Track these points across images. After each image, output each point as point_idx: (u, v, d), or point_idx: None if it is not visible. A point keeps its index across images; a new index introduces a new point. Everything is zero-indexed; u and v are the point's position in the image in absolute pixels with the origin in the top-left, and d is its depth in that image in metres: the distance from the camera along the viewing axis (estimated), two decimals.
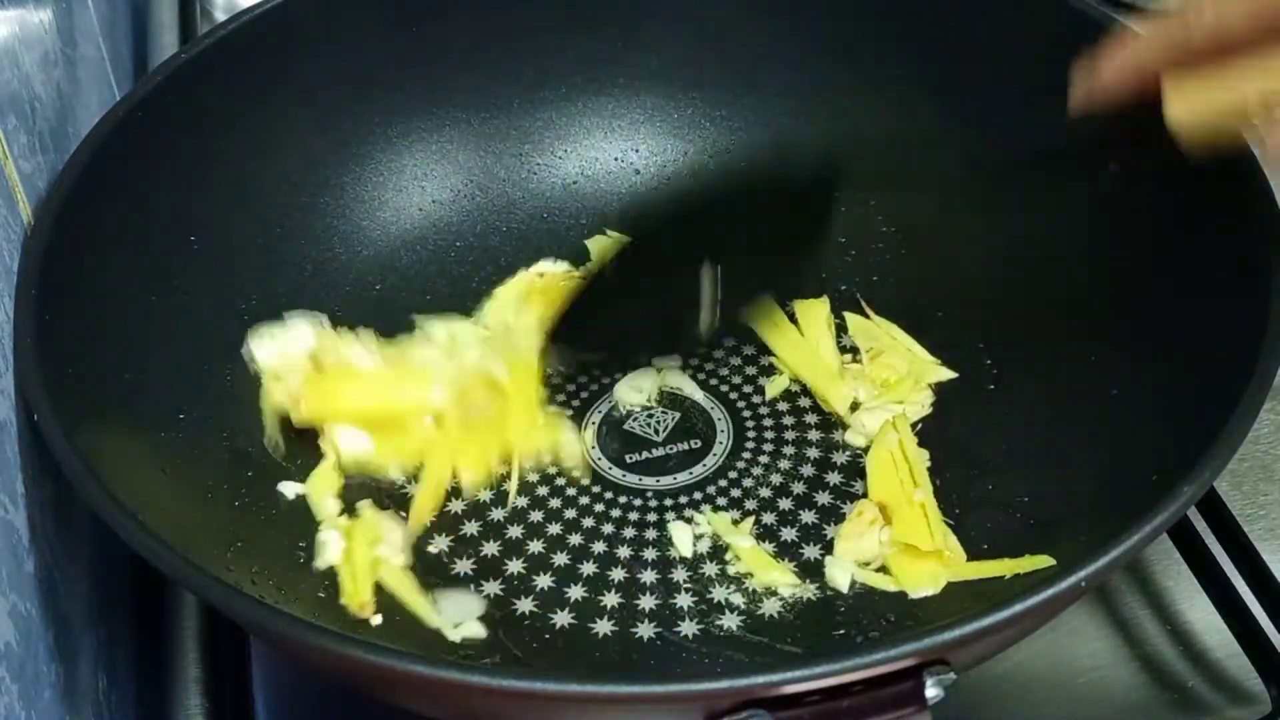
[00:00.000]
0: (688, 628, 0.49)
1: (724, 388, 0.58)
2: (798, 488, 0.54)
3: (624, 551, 0.52)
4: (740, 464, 0.55)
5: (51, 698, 0.43)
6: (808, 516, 0.53)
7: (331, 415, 0.54)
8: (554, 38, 0.63)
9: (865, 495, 0.53)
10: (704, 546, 0.52)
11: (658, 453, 0.56)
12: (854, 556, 0.51)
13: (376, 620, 0.48)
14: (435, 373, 0.55)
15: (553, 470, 0.55)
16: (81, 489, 0.42)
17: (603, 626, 0.49)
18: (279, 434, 0.54)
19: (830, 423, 0.56)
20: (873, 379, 0.57)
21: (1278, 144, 0.42)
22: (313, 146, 0.60)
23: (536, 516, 0.53)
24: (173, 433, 0.51)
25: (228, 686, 0.50)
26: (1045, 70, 0.49)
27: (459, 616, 0.49)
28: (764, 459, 0.55)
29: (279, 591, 0.48)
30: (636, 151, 0.65)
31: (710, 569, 0.51)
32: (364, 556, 0.50)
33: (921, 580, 0.50)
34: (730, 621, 0.49)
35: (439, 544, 0.52)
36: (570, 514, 0.53)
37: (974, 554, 0.50)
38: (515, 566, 0.52)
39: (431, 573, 0.51)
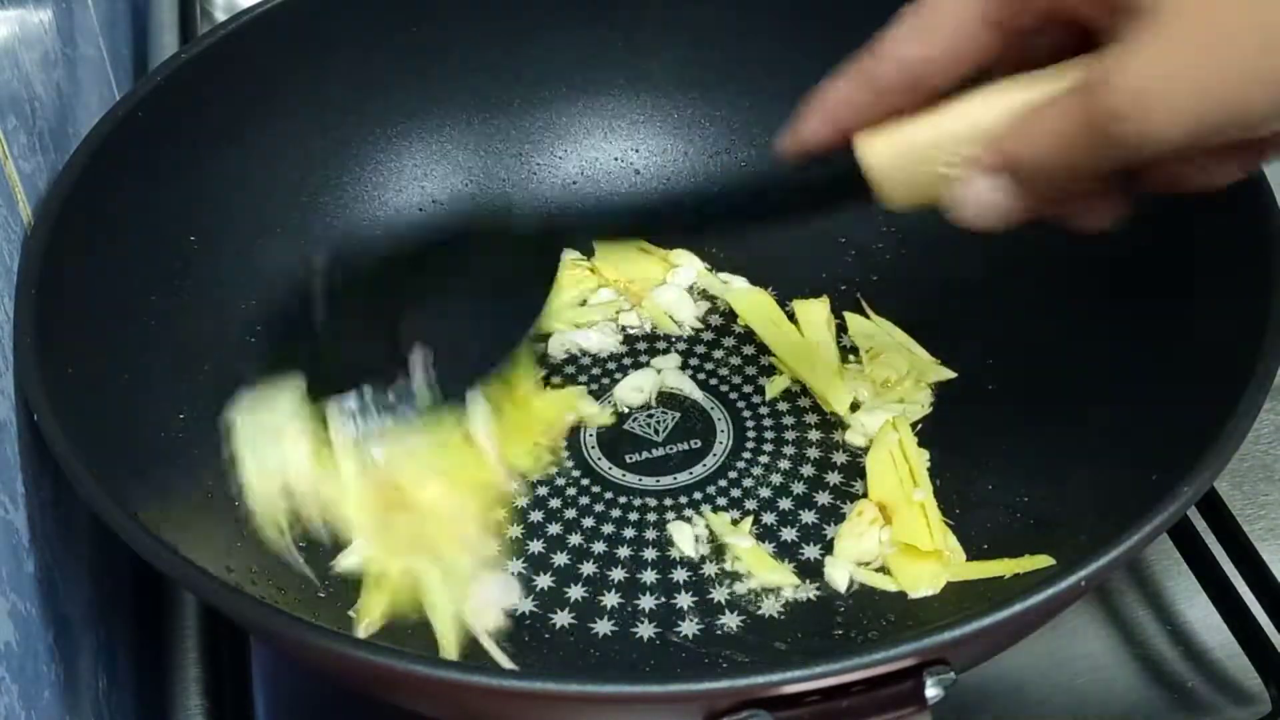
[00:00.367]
0: (688, 628, 0.49)
1: (724, 388, 0.58)
2: (798, 488, 0.54)
3: (624, 551, 0.52)
4: (740, 464, 0.55)
5: (51, 698, 0.43)
6: (808, 516, 0.53)
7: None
8: (554, 38, 0.63)
9: (865, 495, 0.53)
10: (704, 547, 0.52)
11: (658, 453, 0.56)
12: (854, 556, 0.51)
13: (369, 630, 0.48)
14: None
15: (553, 470, 0.55)
16: (81, 489, 0.42)
17: (603, 626, 0.49)
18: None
19: (830, 423, 0.56)
20: (873, 379, 0.57)
21: (961, 201, 0.40)
22: (313, 146, 0.60)
23: (536, 517, 0.53)
24: (173, 433, 0.51)
25: (228, 686, 0.50)
26: None
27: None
28: (764, 459, 0.55)
29: (279, 591, 0.48)
30: (636, 151, 0.65)
31: (710, 569, 0.51)
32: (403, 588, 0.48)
33: (921, 580, 0.50)
34: (730, 621, 0.49)
35: None
36: (570, 514, 0.53)
37: (974, 554, 0.50)
38: (515, 567, 0.52)
39: None
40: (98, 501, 0.41)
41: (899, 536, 0.51)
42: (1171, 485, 0.40)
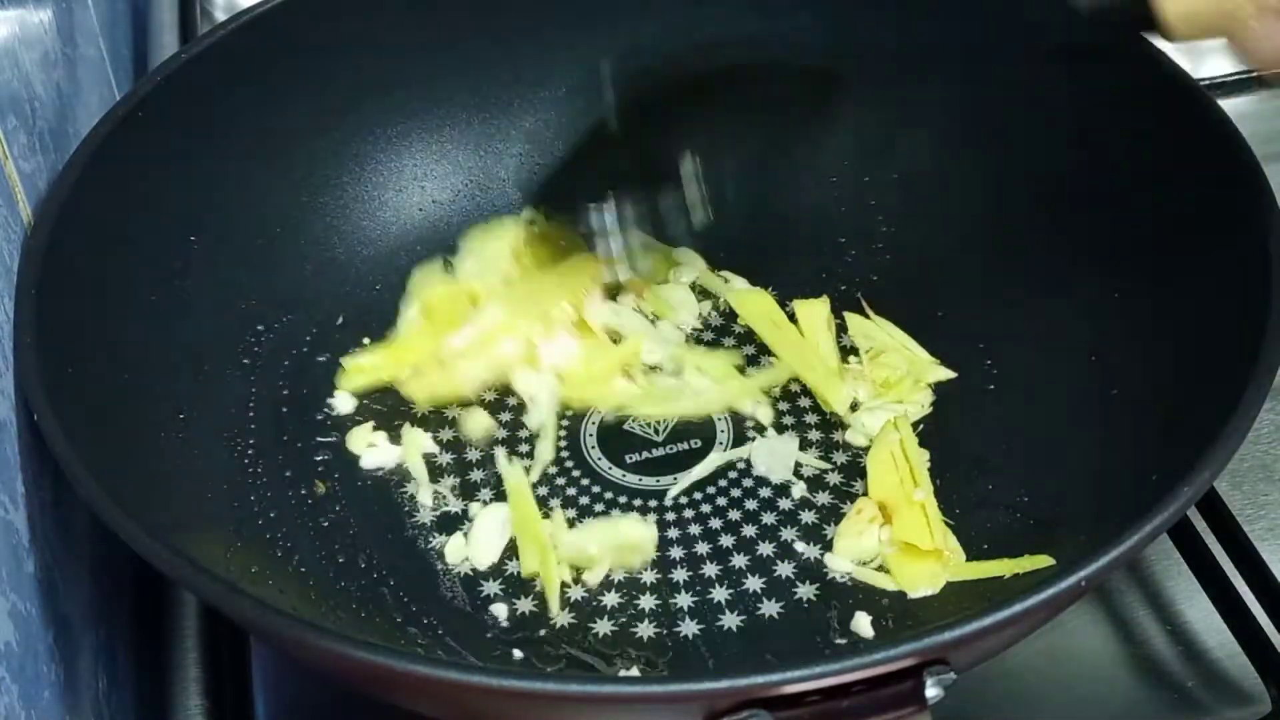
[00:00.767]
0: (688, 628, 0.49)
1: None
2: (798, 488, 0.54)
3: None
4: (740, 464, 0.55)
5: (51, 698, 0.43)
6: (808, 516, 0.53)
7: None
8: (554, 37, 0.63)
9: (865, 495, 0.53)
10: (704, 548, 0.52)
11: (658, 453, 0.55)
12: (853, 554, 0.51)
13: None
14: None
15: (553, 470, 0.55)
16: (81, 489, 0.42)
17: (603, 626, 0.49)
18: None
19: (830, 423, 0.56)
20: (873, 379, 0.57)
21: (1258, 36, 0.42)
22: (313, 146, 0.61)
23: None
24: (173, 433, 0.51)
25: (228, 686, 0.50)
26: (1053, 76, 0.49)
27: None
28: None
29: (279, 592, 0.48)
30: None
31: (710, 569, 0.51)
32: None
33: (921, 580, 0.50)
34: (730, 621, 0.49)
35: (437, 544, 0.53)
36: (570, 514, 0.53)
37: (974, 554, 0.50)
38: (515, 567, 0.52)
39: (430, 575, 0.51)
40: (98, 501, 0.41)
41: (899, 536, 0.51)
42: (1171, 485, 0.40)
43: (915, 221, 0.61)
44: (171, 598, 0.52)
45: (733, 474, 0.55)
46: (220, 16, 0.80)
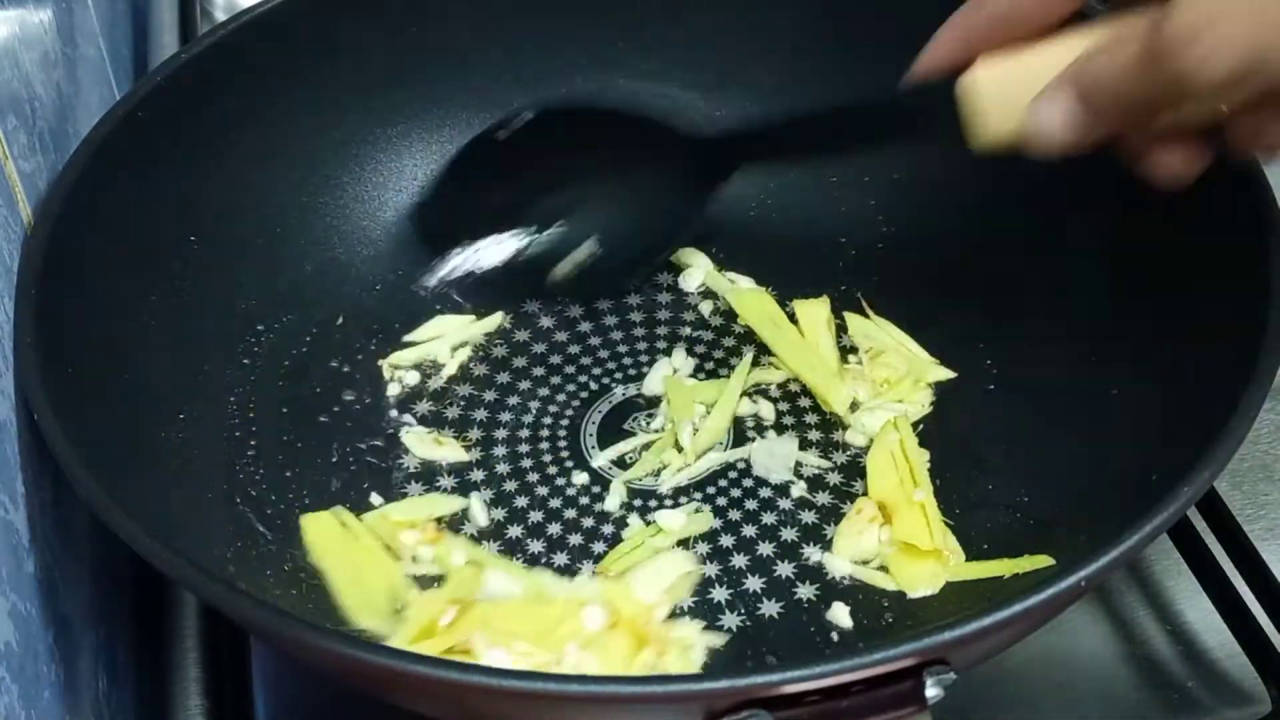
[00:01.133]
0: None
1: None
2: (798, 488, 0.54)
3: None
4: (740, 464, 0.55)
5: (51, 698, 0.43)
6: (808, 516, 0.53)
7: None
8: (554, 37, 0.63)
9: (865, 495, 0.53)
10: (704, 548, 0.52)
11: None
12: (853, 554, 0.51)
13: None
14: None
15: (553, 470, 0.55)
16: (81, 489, 0.42)
17: None
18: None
19: (830, 423, 0.56)
20: (873, 379, 0.57)
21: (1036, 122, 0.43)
22: (313, 146, 0.61)
23: (536, 517, 0.53)
24: (173, 433, 0.51)
25: (228, 686, 0.50)
26: None
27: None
28: None
29: (279, 592, 0.48)
30: None
31: (710, 569, 0.51)
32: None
33: (921, 580, 0.50)
34: (730, 621, 0.49)
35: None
36: (570, 514, 0.53)
37: (974, 554, 0.50)
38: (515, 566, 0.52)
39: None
40: (98, 501, 0.41)
41: (899, 536, 0.51)
42: (1171, 485, 0.40)
43: (915, 221, 0.61)
44: (171, 598, 0.52)
45: (732, 474, 0.55)
46: (220, 16, 0.80)
